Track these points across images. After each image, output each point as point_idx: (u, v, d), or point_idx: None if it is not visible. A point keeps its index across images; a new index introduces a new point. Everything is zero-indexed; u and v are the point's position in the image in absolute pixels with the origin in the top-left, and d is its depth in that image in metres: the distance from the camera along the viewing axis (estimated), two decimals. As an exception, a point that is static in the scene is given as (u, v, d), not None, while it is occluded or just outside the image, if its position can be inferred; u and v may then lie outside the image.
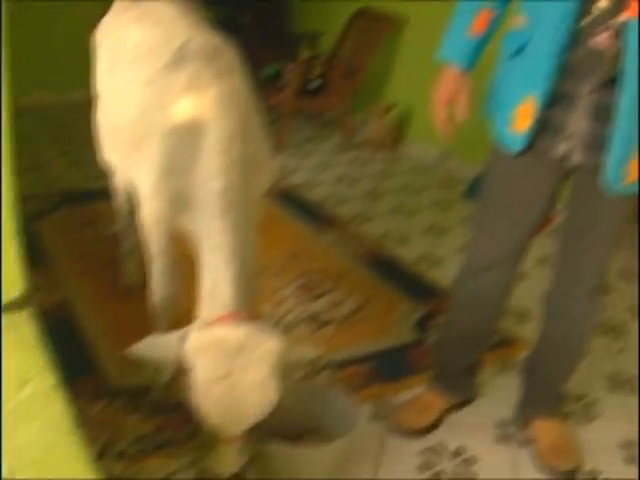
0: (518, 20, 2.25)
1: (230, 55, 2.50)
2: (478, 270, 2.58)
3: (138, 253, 3.56)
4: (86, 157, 5.34)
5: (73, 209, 4.61)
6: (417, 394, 2.90)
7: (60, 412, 1.43)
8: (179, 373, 2.13)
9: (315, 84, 6.09)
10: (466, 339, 2.74)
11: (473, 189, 5.11)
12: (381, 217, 4.74)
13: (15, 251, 1.77)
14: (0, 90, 1.66)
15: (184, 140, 2.35)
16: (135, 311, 3.33)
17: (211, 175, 2.25)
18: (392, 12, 6.00)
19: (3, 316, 1.77)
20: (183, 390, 2.15)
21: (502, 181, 2.43)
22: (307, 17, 7.22)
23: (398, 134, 6.11)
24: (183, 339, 2.07)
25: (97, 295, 3.58)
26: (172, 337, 2.11)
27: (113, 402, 2.81)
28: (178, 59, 2.46)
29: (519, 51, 2.22)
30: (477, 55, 2.41)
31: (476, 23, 2.34)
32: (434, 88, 2.44)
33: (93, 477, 1.27)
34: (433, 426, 2.81)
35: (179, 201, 2.41)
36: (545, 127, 2.22)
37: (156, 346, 2.13)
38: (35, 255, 3.71)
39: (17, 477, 1.28)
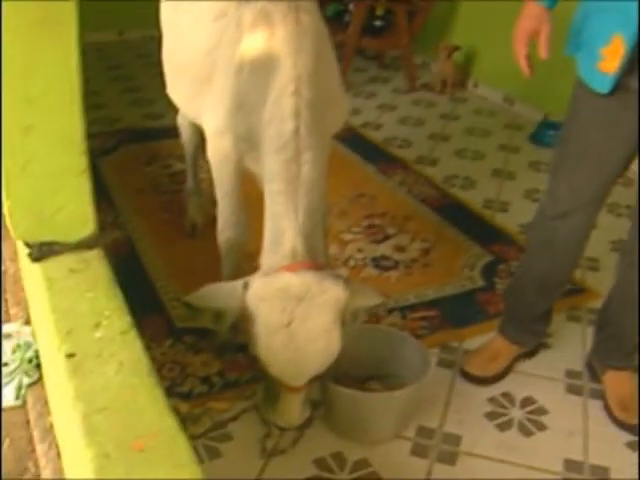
0: None
1: (307, 1, 2.36)
2: (554, 217, 2.48)
3: (202, 192, 3.54)
4: (146, 96, 5.33)
5: (134, 147, 4.59)
6: (486, 341, 2.83)
7: (136, 354, 1.40)
8: (242, 321, 2.10)
9: (378, 23, 5.94)
10: (539, 286, 2.66)
11: (540, 133, 4.98)
12: (446, 160, 4.63)
13: (85, 189, 1.74)
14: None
15: (255, 76, 2.27)
16: (198, 250, 3.34)
17: (282, 116, 2.16)
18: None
19: (76, 254, 1.76)
20: (246, 338, 2.13)
21: (586, 123, 2.31)
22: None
23: (463, 76, 5.94)
24: (246, 287, 2.02)
25: (160, 233, 3.57)
26: (235, 285, 2.06)
27: (179, 342, 2.80)
28: None
29: None
30: None
31: None
32: (516, 24, 2.31)
33: (170, 421, 1.24)
34: (502, 374, 2.74)
35: (248, 139, 2.35)
36: (635, 67, 2.09)
37: (219, 293, 2.10)
38: (97, 193, 3.68)
39: (92, 423, 1.25)
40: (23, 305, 2.40)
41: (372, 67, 6.51)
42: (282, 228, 2.12)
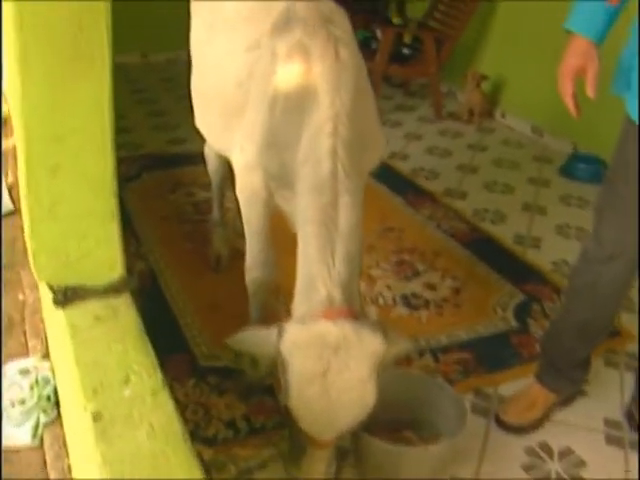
0: None
1: (345, 24, 2.26)
2: (598, 261, 2.37)
3: (227, 223, 3.46)
4: (171, 121, 5.28)
5: (158, 174, 4.52)
6: (522, 388, 2.71)
7: (168, 417, 1.30)
8: (275, 368, 1.98)
9: (406, 51, 5.88)
10: (579, 332, 2.54)
11: (570, 166, 4.88)
12: (475, 193, 4.53)
13: (114, 233, 1.66)
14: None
15: (289, 111, 2.17)
16: (223, 284, 3.26)
17: (318, 156, 2.04)
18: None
19: (102, 300, 1.67)
20: (277, 386, 2.02)
21: (634, 164, 2.20)
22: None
23: (490, 105, 5.86)
24: (281, 333, 1.92)
25: (184, 265, 3.49)
26: (270, 331, 1.94)
27: (202, 382, 2.70)
28: (284, 23, 2.26)
29: None
30: (609, 28, 2.17)
31: None
32: (562, 61, 2.21)
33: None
34: (539, 423, 2.63)
35: (280, 177, 2.26)
36: None
37: (254, 339, 1.99)
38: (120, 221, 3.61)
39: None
40: (42, 337, 2.32)
41: (397, 94, 6.44)
42: (317, 273, 1.98)
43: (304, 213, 2.06)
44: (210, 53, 2.64)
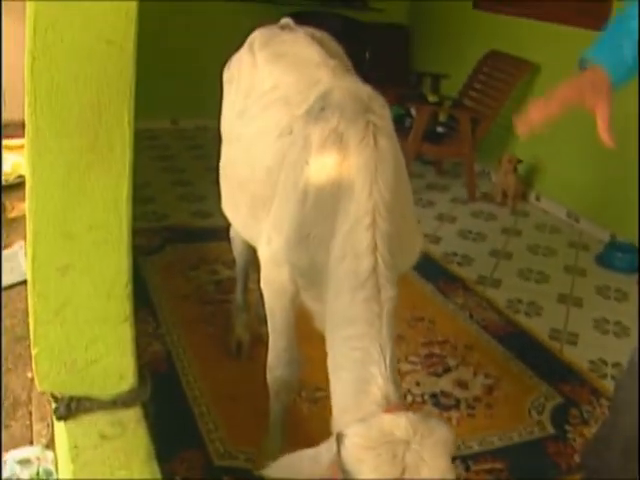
0: None
1: (384, 112, 2.10)
2: None
3: (250, 307, 3.31)
4: (197, 192, 5.17)
5: (181, 248, 4.39)
6: None
7: None
8: None
9: (440, 130, 5.77)
10: (626, 450, 2.33)
11: (607, 255, 4.73)
12: (509, 281, 4.36)
13: (127, 339, 1.50)
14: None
15: (322, 205, 2.01)
16: (244, 373, 3.10)
17: (356, 252, 1.89)
18: (526, 56, 5.65)
19: (110, 413, 1.51)
20: None
21: None
22: (430, 56, 6.95)
23: (525, 188, 5.72)
24: (340, 439, 1.70)
25: (203, 350, 3.31)
26: (319, 450, 1.73)
27: (217, 484, 2.51)
28: (319, 108, 2.12)
29: None
30: (632, 75, 1.95)
31: None
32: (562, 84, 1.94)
33: None
34: None
35: (309, 274, 2.10)
36: None
37: (300, 463, 1.77)
38: (138, 297, 3.46)
39: None
40: (48, 422, 2.15)
41: (429, 173, 6.33)
42: (368, 375, 1.78)
43: (345, 313, 1.89)
44: (241, 135, 2.52)
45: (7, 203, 3.86)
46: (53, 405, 1.49)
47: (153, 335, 3.38)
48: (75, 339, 1.45)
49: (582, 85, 1.91)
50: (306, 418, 2.90)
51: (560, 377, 3.35)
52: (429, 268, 4.31)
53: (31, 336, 1.46)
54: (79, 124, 1.35)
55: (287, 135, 2.22)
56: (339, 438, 1.65)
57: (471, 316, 3.85)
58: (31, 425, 2.26)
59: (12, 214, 3.86)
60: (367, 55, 6.75)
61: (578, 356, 3.56)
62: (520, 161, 5.53)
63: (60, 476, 1.67)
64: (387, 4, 7.13)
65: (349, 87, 2.19)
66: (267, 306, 2.30)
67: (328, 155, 2.02)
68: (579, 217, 5.33)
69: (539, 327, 3.83)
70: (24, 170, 1.47)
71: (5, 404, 2.38)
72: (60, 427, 1.48)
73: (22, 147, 4.58)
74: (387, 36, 6.98)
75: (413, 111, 5.69)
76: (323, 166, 2.02)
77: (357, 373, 1.81)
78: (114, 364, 1.50)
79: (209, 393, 2.99)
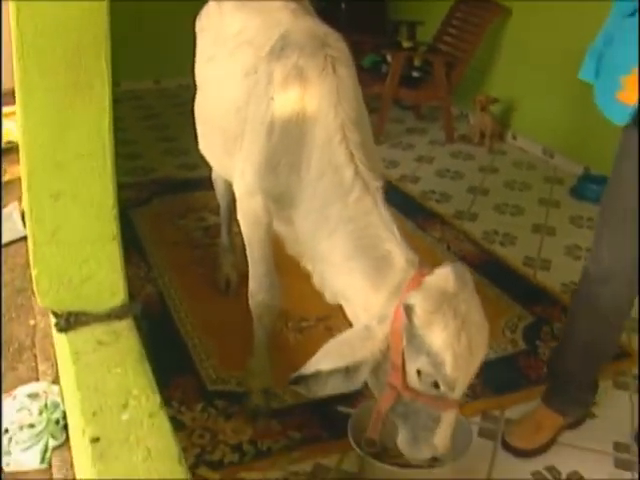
0: None
1: (340, 45, 2.31)
2: (597, 280, 2.37)
3: (236, 248, 3.48)
4: (181, 146, 5.32)
5: (168, 199, 4.56)
6: (529, 412, 2.70)
7: (164, 440, 1.31)
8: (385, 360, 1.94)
9: (416, 75, 5.91)
10: (583, 354, 2.53)
11: (581, 187, 4.88)
12: (485, 215, 4.54)
13: (116, 257, 1.67)
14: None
15: (288, 136, 2.21)
16: (232, 308, 3.26)
17: (335, 165, 2.08)
18: (497, 0, 5.78)
19: (105, 324, 1.69)
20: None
21: (628, 179, 2.20)
22: (405, 4, 7.04)
23: (501, 128, 5.88)
24: (409, 309, 1.83)
25: (193, 289, 3.50)
26: (368, 325, 1.92)
27: (210, 406, 2.71)
28: (280, 48, 2.31)
29: (634, 13, 1.99)
30: None
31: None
32: None
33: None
34: (546, 446, 2.61)
35: (280, 199, 2.28)
36: None
37: (349, 345, 1.92)
38: (130, 245, 3.63)
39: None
40: (52, 362, 2.33)
41: (409, 118, 6.47)
42: (385, 252, 1.99)
43: (340, 215, 2.07)
44: (211, 77, 2.69)
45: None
46: (54, 320, 1.66)
47: (145, 279, 3.56)
48: (70, 258, 1.62)
49: None
50: (292, 346, 3.10)
51: (533, 299, 3.54)
52: (408, 206, 4.49)
53: (30, 258, 1.63)
54: (62, 64, 1.51)
55: (253, 74, 2.40)
56: (407, 309, 1.82)
57: (448, 248, 4.03)
58: (36, 366, 2.45)
59: (5, 177, 4.02)
60: (342, 6, 6.86)
61: (550, 280, 3.75)
62: (495, 100, 5.67)
63: (62, 380, 1.86)
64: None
65: (307, 26, 2.39)
66: (245, 236, 2.49)
67: (291, 89, 2.22)
68: (554, 153, 5.48)
69: (513, 255, 4.01)
70: (16, 119, 1.63)
71: (11, 349, 2.57)
72: (61, 338, 1.66)
73: (12, 114, 4.73)
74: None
75: (389, 57, 5.82)
76: (287, 99, 2.22)
77: (372, 255, 2.00)
78: (106, 280, 1.68)
79: (200, 327, 3.18)
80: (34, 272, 1.63)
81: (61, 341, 1.68)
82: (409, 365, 1.88)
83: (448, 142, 5.83)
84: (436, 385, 1.88)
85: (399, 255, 1.99)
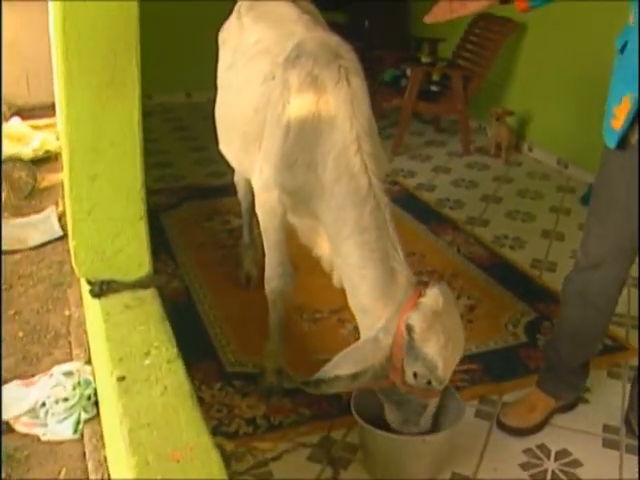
0: (629, 17, 2.27)
1: (351, 55, 2.55)
2: (585, 268, 2.58)
3: (257, 246, 3.71)
4: (209, 156, 5.58)
5: (196, 204, 4.83)
6: (524, 394, 2.90)
7: (179, 380, 1.55)
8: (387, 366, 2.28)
9: (434, 88, 6.13)
10: (573, 339, 2.73)
11: (590, 196, 5.02)
12: (497, 221, 4.74)
13: (143, 234, 1.92)
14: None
15: (304, 137, 2.45)
16: (252, 301, 3.50)
17: (351, 173, 2.35)
18: (513, 16, 5.98)
19: (132, 292, 1.93)
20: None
21: (610, 178, 2.43)
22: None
23: (517, 140, 6.07)
24: (387, 335, 2.23)
25: (216, 285, 3.75)
26: (376, 337, 2.27)
27: (228, 385, 2.94)
28: (295, 56, 2.55)
29: (623, 49, 2.25)
30: None
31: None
32: None
33: (206, 438, 1.38)
34: (539, 426, 2.81)
35: (296, 194, 2.53)
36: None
37: (358, 353, 2.28)
38: (159, 246, 3.88)
39: (137, 435, 1.40)
40: (85, 347, 2.58)
41: (429, 131, 6.69)
42: (391, 269, 2.32)
43: (356, 223, 2.35)
44: (232, 82, 2.95)
45: (38, 175, 4.30)
46: (88, 288, 1.91)
47: (173, 275, 3.81)
48: (104, 233, 1.87)
49: None
50: (307, 334, 3.33)
51: (536, 297, 3.73)
52: (423, 212, 4.72)
53: (69, 233, 1.88)
54: (100, 65, 1.76)
55: (270, 80, 2.65)
56: (409, 329, 2.20)
57: (459, 250, 4.24)
58: (70, 352, 2.70)
59: (43, 184, 4.31)
60: (366, 23, 7.10)
61: (555, 281, 3.90)
62: (510, 113, 5.86)
63: (92, 339, 2.11)
64: (385, -26, 7.47)
65: (319, 37, 2.65)
66: (262, 227, 2.74)
67: (306, 95, 2.47)
68: (568, 163, 5.66)
69: (522, 258, 4.20)
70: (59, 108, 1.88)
71: (47, 337, 2.82)
72: (94, 304, 1.90)
73: (48, 126, 5.02)
74: (386, 4, 7.31)
75: (408, 72, 6.04)
76: (302, 104, 2.47)
77: (381, 269, 2.33)
78: (134, 254, 1.92)
79: (222, 317, 3.43)
80: (72, 244, 1.88)
81: (94, 306, 1.92)
82: (407, 368, 2.25)
83: (465, 154, 6.03)
84: (429, 382, 2.26)
85: (402, 274, 2.32)
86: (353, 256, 2.35)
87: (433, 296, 2.24)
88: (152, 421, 1.42)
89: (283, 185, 2.55)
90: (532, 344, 3.32)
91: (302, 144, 2.45)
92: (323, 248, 2.73)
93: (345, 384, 2.28)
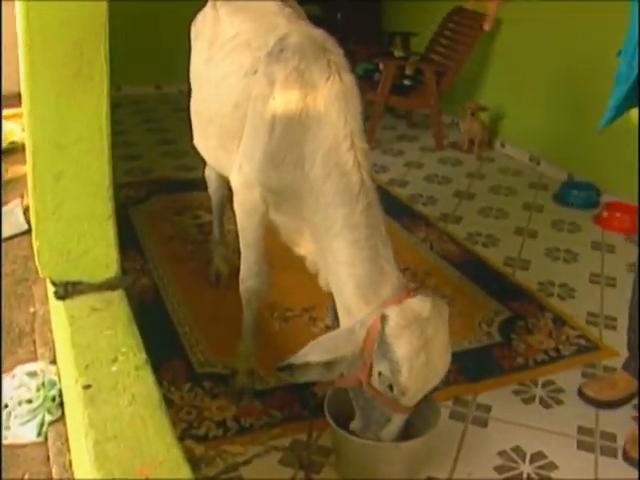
0: None
1: (339, 50, 2.47)
2: None
3: (227, 242, 3.65)
4: (179, 149, 5.50)
5: (165, 198, 4.74)
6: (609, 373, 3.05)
7: (147, 388, 1.48)
8: (358, 360, 2.21)
9: (407, 83, 6.09)
10: None
11: (563, 193, 5.05)
12: (470, 217, 4.72)
13: (110, 234, 1.84)
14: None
15: (290, 133, 2.37)
16: (222, 299, 3.44)
17: (342, 170, 2.28)
18: (487, 11, 5.95)
19: (98, 294, 1.86)
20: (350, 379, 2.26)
21: None
22: (401, 16, 7.23)
23: (490, 136, 6.05)
24: (384, 320, 2.12)
25: (186, 282, 3.67)
26: (352, 328, 2.21)
27: (198, 386, 2.87)
28: (279, 50, 2.47)
29: None
30: None
31: None
32: None
33: (176, 452, 1.31)
34: (615, 403, 2.90)
35: (280, 192, 2.46)
36: None
37: (333, 342, 2.22)
38: (127, 240, 3.79)
39: (103, 449, 1.33)
40: (50, 346, 2.50)
41: (401, 125, 6.66)
42: (380, 269, 2.24)
43: (347, 221, 2.28)
44: (209, 76, 2.85)
45: (3, 166, 4.19)
46: (53, 289, 1.83)
47: (141, 271, 3.73)
48: (69, 233, 1.79)
49: None
50: (278, 333, 3.27)
51: (510, 296, 3.71)
52: (395, 208, 4.66)
53: (33, 233, 1.81)
54: (66, 58, 1.68)
55: (251, 74, 2.56)
56: (383, 319, 2.12)
57: (431, 247, 4.20)
58: (35, 350, 2.62)
59: (8, 176, 4.20)
60: (339, 17, 7.05)
61: (528, 279, 3.91)
62: (484, 108, 5.84)
63: (57, 342, 2.03)
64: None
65: (304, 30, 2.56)
66: (239, 224, 2.66)
67: (292, 90, 2.38)
68: (540, 160, 5.66)
69: (495, 256, 4.18)
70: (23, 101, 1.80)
71: (11, 335, 2.73)
72: (59, 306, 1.82)
73: (15, 116, 4.90)
74: (359, -1, 7.28)
75: (381, 66, 6.00)
76: (288, 100, 2.38)
77: (370, 267, 2.25)
78: (101, 254, 1.85)
79: (191, 316, 3.35)
80: (36, 245, 1.80)
81: (58, 308, 1.84)
82: (375, 366, 2.17)
83: (438, 149, 6.01)
84: (391, 388, 2.16)
85: (392, 275, 2.26)
86: (343, 253, 2.28)
87: (422, 300, 2.17)
88: (119, 433, 1.36)
89: (268, 183, 2.47)
90: (506, 344, 3.30)
91: (289, 141, 2.37)
92: (306, 248, 2.64)
93: (318, 373, 2.22)
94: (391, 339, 2.10)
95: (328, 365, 2.19)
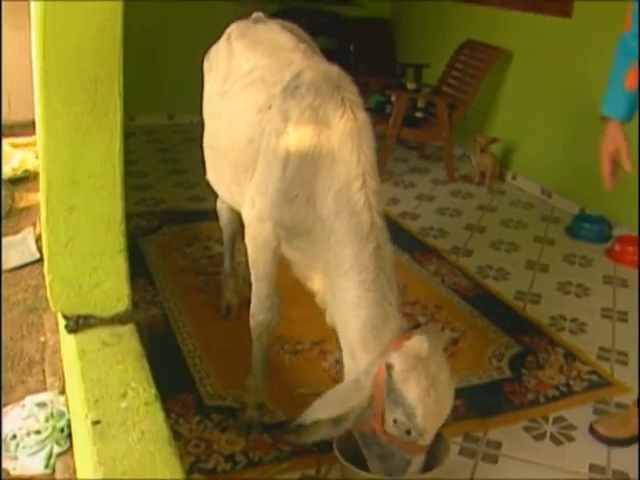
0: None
1: (353, 88, 2.47)
2: None
3: (238, 274, 3.65)
4: (191, 179, 5.53)
5: (177, 228, 4.75)
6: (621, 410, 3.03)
7: (157, 425, 1.48)
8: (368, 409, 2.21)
9: (419, 115, 6.11)
10: None
11: (575, 226, 5.04)
12: (481, 251, 4.71)
13: (122, 268, 1.85)
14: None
15: (304, 170, 2.37)
16: (232, 331, 3.44)
17: (353, 209, 2.29)
18: (499, 44, 5.99)
19: (109, 328, 1.86)
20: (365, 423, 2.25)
21: None
22: (413, 48, 7.29)
23: (501, 168, 6.06)
24: (368, 377, 2.17)
25: (196, 313, 3.67)
26: (357, 379, 2.22)
27: (207, 419, 2.86)
28: (294, 87, 2.48)
29: None
30: (634, 109, 2.56)
31: (630, 78, 2.48)
32: (601, 145, 2.60)
33: (186, 489, 1.31)
34: (627, 441, 2.87)
35: (292, 228, 2.47)
36: None
37: (340, 396, 2.22)
38: (138, 270, 3.81)
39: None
40: (59, 376, 2.51)
41: (413, 157, 6.67)
42: (384, 312, 2.26)
43: (355, 261, 2.29)
44: (224, 110, 2.86)
45: (16, 195, 4.22)
46: (64, 322, 1.84)
47: (151, 302, 3.73)
48: (81, 267, 1.81)
49: (607, 145, 2.60)
50: (287, 366, 3.26)
51: (521, 330, 3.69)
52: (406, 240, 4.67)
53: (45, 266, 1.82)
54: (80, 94, 1.71)
55: (266, 110, 2.57)
56: (389, 367, 2.14)
57: (442, 281, 4.19)
58: (45, 380, 2.62)
59: (21, 204, 4.23)
60: (351, 48, 7.10)
61: (539, 313, 3.89)
62: (495, 141, 5.84)
63: (67, 375, 2.03)
64: (370, -1, 7.51)
65: (319, 67, 2.57)
66: (251, 258, 2.65)
67: (307, 127, 2.39)
68: (552, 193, 5.65)
69: (506, 289, 4.16)
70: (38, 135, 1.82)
71: (21, 364, 2.74)
72: (69, 339, 1.83)
73: (28, 145, 4.95)
74: (371, 30, 7.33)
75: (393, 98, 6.02)
76: (303, 137, 2.38)
77: (375, 310, 2.27)
78: (112, 288, 1.86)
79: (201, 347, 3.35)
80: (48, 278, 1.81)
81: (69, 341, 1.85)
82: (388, 414, 2.18)
83: (449, 181, 6.01)
84: (408, 432, 2.17)
85: (394, 318, 2.29)
86: (350, 293, 2.29)
87: (418, 340, 2.19)
88: (128, 469, 1.36)
89: (280, 219, 2.48)
90: (517, 379, 3.27)
91: (301, 177, 2.38)
92: (318, 284, 2.63)
93: (327, 430, 2.23)
94: (400, 385, 2.13)
95: (336, 421, 2.20)
